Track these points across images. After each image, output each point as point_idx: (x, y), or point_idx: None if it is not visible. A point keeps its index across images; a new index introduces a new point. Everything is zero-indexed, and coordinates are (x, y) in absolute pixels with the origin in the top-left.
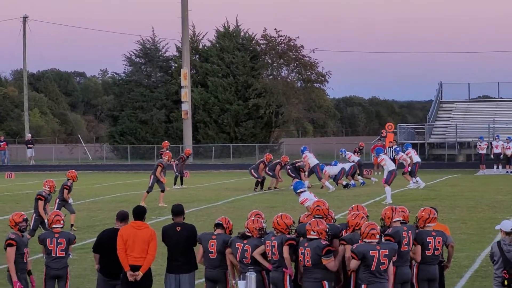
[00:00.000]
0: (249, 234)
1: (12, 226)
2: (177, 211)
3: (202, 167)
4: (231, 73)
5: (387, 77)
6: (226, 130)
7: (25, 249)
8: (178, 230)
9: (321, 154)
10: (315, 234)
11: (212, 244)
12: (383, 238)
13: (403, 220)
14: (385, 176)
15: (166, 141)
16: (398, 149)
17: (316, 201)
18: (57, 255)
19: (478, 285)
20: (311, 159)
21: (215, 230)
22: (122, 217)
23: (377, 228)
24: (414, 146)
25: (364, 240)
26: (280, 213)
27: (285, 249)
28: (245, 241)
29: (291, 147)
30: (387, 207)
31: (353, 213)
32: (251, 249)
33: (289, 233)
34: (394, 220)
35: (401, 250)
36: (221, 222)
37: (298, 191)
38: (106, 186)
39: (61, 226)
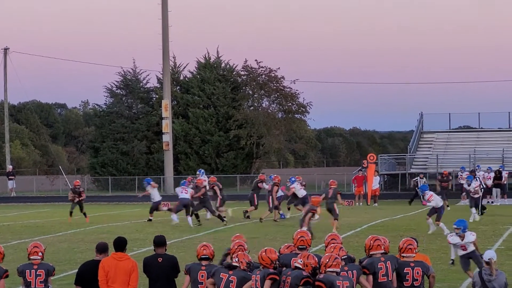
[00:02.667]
0: (236, 265)
1: None
2: (159, 242)
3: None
4: (212, 104)
5: (368, 107)
6: (207, 161)
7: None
8: (160, 261)
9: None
10: (301, 264)
11: (202, 275)
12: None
13: (384, 251)
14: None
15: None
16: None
17: (299, 232)
18: (36, 287)
19: None
20: (299, 191)
21: (223, 260)
22: (102, 249)
23: (340, 256)
24: (395, 176)
25: (327, 270)
26: (265, 248)
27: (267, 283)
28: (230, 272)
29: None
30: (369, 237)
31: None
32: (237, 280)
33: (274, 268)
34: (373, 252)
35: (378, 281)
36: (207, 256)
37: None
38: (87, 217)
39: (40, 258)
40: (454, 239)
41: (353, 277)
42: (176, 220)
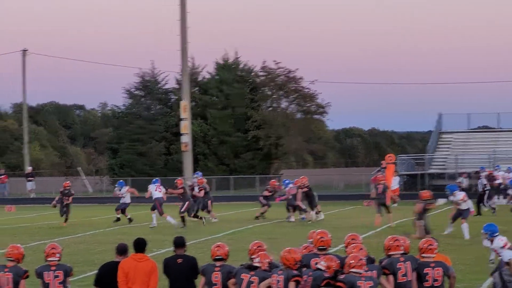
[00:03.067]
0: (257, 265)
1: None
2: (179, 243)
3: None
4: (231, 105)
5: (387, 108)
6: (226, 162)
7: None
8: (180, 262)
9: (321, 185)
10: (325, 266)
11: (216, 276)
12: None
13: (403, 251)
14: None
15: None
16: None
17: (319, 232)
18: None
19: None
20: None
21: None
22: (122, 250)
23: (364, 258)
24: (413, 176)
25: (351, 270)
26: (288, 248)
27: (291, 285)
28: (251, 273)
29: (291, 178)
30: (388, 237)
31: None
32: (258, 281)
33: (297, 269)
34: (392, 253)
35: (398, 281)
36: (221, 257)
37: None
38: (105, 218)
39: (57, 259)
40: (485, 242)
41: None
42: (173, 221)
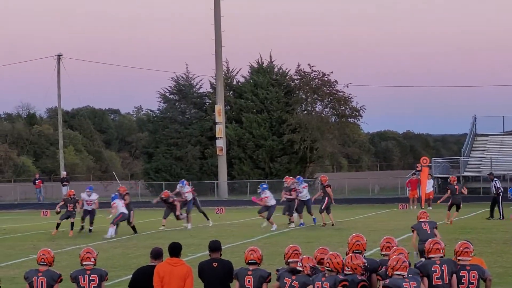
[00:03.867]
0: (299, 269)
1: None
2: (215, 247)
3: (237, 203)
4: (265, 109)
5: (421, 111)
6: (261, 165)
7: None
8: (215, 266)
9: (356, 188)
10: (349, 270)
11: (249, 280)
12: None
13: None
14: None
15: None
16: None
17: (354, 236)
18: None
19: None
20: (271, 200)
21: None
22: (156, 255)
23: (407, 261)
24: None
25: (395, 273)
26: (332, 252)
27: None
28: (293, 277)
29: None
30: (428, 240)
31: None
32: (299, 286)
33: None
34: (432, 255)
35: (433, 284)
36: (254, 261)
37: None
38: (141, 223)
39: (92, 263)
40: None
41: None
42: (112, 234)
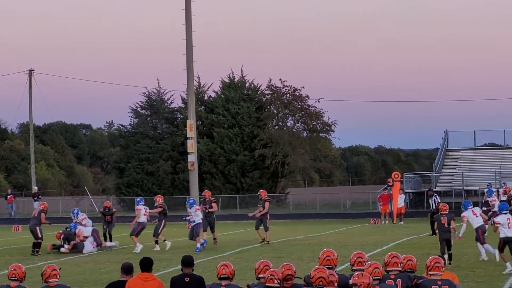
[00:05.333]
0: (273, 285)
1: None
2: (187, 262)
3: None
4: (237, 124)
5: (393, 126)
6: (233, 180)
7: None
8: (187, 281)
9: (328, 203)
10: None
11: None
12: None
13: (408, 269)
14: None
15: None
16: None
17: (325, 251)
18: None
19: None
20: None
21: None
22: (127, 269)
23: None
24: (420, 194)
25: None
26: (316, 266)
27: None
28: None
29: (297, 197)
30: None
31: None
32: None
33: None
34: (389, 269)
35: None
36: (226, 276)
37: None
38: (113, 238)
39: (58, 280)
40: None
41: None
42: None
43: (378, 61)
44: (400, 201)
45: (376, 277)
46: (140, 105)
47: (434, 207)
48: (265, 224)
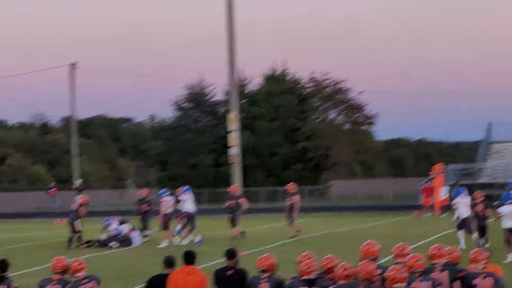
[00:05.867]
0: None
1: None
2: (230, 254)
3: (250, 210)
4: (279, 117)
5: (435, 118)
6: (275, 173)
7: None
8: (230, 274)
9: (370, 196)
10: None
11: None
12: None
13: (448, 262)
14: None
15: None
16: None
17: (366, 244)
18: None
19: None
20: (187, 205)
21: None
22: (169, 263)
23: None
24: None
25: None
26: (364, 260)
27: None
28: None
29: (340, 189)
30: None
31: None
32: None
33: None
34: (433, 262)
35: None
36: (266, 268)
37: None
38: (155, 231)
39: (84, 274)
40: None
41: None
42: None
43: (420, 52)
44: (442, 193)
45: (418, 270)
46: (182, 99)
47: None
48: (288, 216)
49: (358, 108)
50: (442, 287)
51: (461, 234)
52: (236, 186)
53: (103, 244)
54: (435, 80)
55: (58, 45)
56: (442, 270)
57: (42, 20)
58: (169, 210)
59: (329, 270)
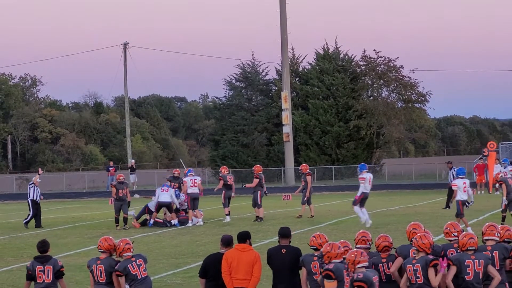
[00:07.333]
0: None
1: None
2: (284, 233)
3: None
4: (332, 95)
5: (488, 95)
6: (328, 152)
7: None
8: (283, 252)
9: (423, 174)
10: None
11: (315, 266)
12: None
13: (507, 239)
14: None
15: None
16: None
17: (412, 224)
18: (142, 276)
19: None
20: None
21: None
22: (227, 242)
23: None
24: None
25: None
26: (419, 234)
27: (431, 272)
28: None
29: (393, 168)
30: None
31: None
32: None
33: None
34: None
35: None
36: (315, 247)
37: None
38: (208, 210)
39: (132, 254)
40: None
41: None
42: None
43: (473, 31)
44: (496, 171)
45: (471, 247)
46: (235, 77)
47: (452, 180)
48: (302, 198)
49: (411, 86)
50: (494, 265)
51: None
52: (259, 166)
53: (163, 224)
54: (489, 57)
55: (111, 24)
56: (494, 248)
57: (93, 1)
58: (190, 190)
59: (384, 249)
